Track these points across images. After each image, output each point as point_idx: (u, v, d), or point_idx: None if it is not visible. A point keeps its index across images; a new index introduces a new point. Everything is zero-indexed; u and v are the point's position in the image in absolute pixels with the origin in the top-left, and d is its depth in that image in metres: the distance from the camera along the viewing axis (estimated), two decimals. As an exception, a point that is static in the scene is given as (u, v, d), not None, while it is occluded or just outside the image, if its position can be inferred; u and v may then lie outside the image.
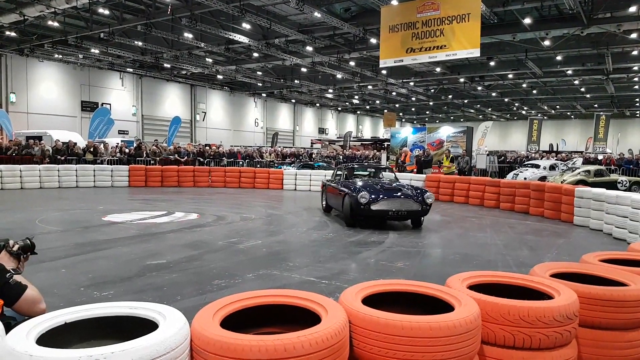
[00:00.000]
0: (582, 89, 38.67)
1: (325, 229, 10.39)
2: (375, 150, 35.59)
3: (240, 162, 25.95)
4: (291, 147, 41.61)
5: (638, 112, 53.95)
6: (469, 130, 25.13)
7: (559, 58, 26.14)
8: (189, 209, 12.97)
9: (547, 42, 21.96)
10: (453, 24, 16.59)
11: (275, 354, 2.06)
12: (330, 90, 41.30)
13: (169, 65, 32.27)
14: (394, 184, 11.58)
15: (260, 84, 39.68)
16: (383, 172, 13.81)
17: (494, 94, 41.90)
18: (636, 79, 33.46)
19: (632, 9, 17.22)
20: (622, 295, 3.02)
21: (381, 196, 10.32)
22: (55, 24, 21.80)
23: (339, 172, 13.24)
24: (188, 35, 23.82)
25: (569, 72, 30.46)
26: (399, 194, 10.57)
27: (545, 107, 49.98)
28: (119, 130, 32.88)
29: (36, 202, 14.22)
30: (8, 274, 2.60)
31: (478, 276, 3.28)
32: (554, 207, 12.65)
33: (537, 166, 22.56)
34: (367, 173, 13.78)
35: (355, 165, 14.88)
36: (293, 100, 50.65)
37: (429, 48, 17.33)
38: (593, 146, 37.02)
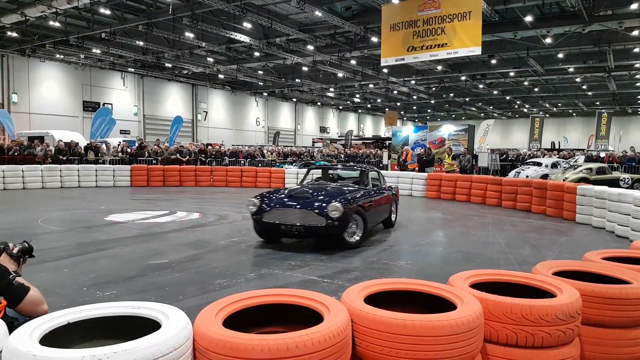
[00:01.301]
0: (584, 87, 38.61)
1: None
2: (376, 149, 35.54)
3: (242, 162, 25.93)
4: (292, 146, 41.59)
5: (640, 109, 53.89)
6: (471, 129, 25.08)
7: (560, 56, 26.11)
8: (191, 209, 12.97)
9: (548, 40, 21.93)
10: (454, 22, 16.58)
11: (278, 353, 2.06)
12: (332, 89, 41.31)
13: (170, 65, 32.30)
14: (345, 188, 9.05)
15: (262, 83, 39.69)
16: (368, 173, 10.13)
17: (495, 92, 41.85)
18: (638, 76, 33.40)
19: (634, 6, 17.17)
20: (624, 293, 3.02)
21: (275, 204, 8.03)
22: (57, 24, 21.82)
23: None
24: (189, 34, 23.82)
25: (571, 69, 30.43)
26: (302, 201, 8.02)
27: (547, 105, 49.91)
28: (120, 130, 32.93)
29: (38, 202, 14.23)
30: (11, 276, 2.61)
31: (480, 274, 3.28)
32: (556, 205, 12.63)
33: (539, 164, 22.52)
34: (333, 174, 10.97)
35: (324, 165, 12.94)
36: (294, 99, 50.65)
37: (430, 46, 17.33)
38: (595, 144, 36.97)
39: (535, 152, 33.82)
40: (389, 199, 10.07)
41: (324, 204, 7.72)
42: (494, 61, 28.07)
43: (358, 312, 2.49)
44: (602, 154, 28.77)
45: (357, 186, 9.45)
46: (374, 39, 22.14)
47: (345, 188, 9.05)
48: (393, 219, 10.54)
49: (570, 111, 56.08)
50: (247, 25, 22.15)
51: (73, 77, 32.37)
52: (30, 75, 29.92)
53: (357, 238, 8.18)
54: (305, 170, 20.43)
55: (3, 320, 2.17)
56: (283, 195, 8.42)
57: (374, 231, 9.89)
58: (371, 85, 38.43)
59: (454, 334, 2.37)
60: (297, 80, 36.66)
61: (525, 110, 53.79)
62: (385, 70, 31.33)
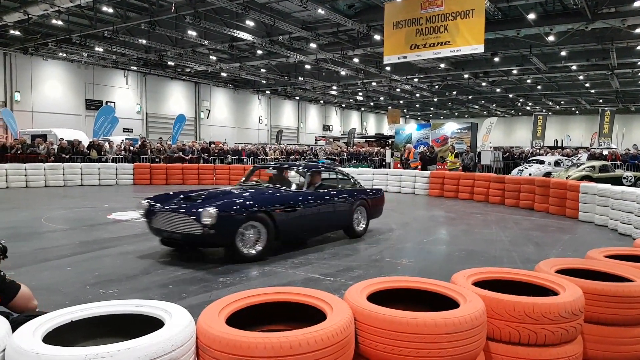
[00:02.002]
0: (587, 85, 38.49)
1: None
2: (379, 147, 35.52)
3: (245, 160, 25.95)
4: (295, 145, 41.58)
5: (643, 107, 53.73)
6: (474, 127, 25.04)
7: (563, 53, 26.01)
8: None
9: (551, 38, 21.86)
10: (457, 20, 16.55)
11: (281, 351, 2.07)
12: (334, 87, 41.27)
13: (173, 63, 32.29)
14: (268, 190, 8.02)
15: (264, 81, 39.66)
16: (306, 174, 8.50)
17: (498, 90, 41.75)
18: (641, 74, 33.31)
19: (637, 4, 17.08)
20: (627, 291, 3.01)
21: (163, 208, 7.04)
22: (60, 22, 21.82)
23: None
24: (192, 32, 23.81)
25: (574, 67, 30.34)
26: (188, 205, 6.94)
27: (550, 103, 49.78)
28: (123, 129, 32.97)
29: (41, 200, 14.26)
30: (2, 273, 2.63)
31: (483, 272, 3.28)
32: (559, 203, 12.62)
33: (542, 162, 22.48)
34: (278, 175, 9.11)
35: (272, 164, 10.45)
36: (297, 97, 50.63)
37: (433, 44, 17.30)
38: (598, 142, 36.94)
39: (538, 150, 33.79)
40: (348, 204, 8.73)
41: (200, 209, 6.54)
42: (496, 59, 27.98)
43: (361, 310, 2.49)
44: (605, 152, 28.75)
45: (287, 189, 8.12)
46: (377, 37, 22.11)
47: (268, 190, 7.99)
48: (360, 227, 9.13)
49: (573, 109, 55.91)
50: (249, 23, 22.13)
51: (76, 75, 32.41)
52: (33, 74, 29.97)
53: (259, 249, 6.95)
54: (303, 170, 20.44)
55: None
56: (179, 197, 7.34)
57: (375, 231, 9.89)
58: (374, 83, 38.38)
59: (457, 332, 2.37)
60: (299, 78, 36.61)
61: (528, 108, 53.66)
62: (388, 68, 31.26)
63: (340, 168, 10.93)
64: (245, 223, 6.76)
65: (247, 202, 7.06)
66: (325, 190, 8.60)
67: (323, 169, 9.75)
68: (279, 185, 8.31)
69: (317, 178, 8.77)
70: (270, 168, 9.58)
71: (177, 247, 7.49)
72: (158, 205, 7.11)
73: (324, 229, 8.76)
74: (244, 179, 9.14)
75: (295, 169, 9.08)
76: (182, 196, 7.35)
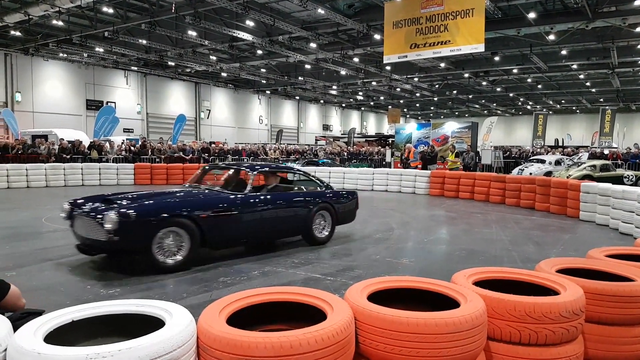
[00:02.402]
0: (588, 84, 38.48)
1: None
2: (379, 147, 35.52)
3: (245, 160, 25.97)
4: (296, 144, 41.60)
5: (644, 106, 53.71)
6: (474, 126, 25.05)
7: (563, 52, 25.99)
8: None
9: (551, 37, 21.84)
10: (457, 19, 16.55)
11: (281, 351, 2.07)
12: (334, 87, 41.27)
13: (173, 63, 32.31)
14: (211, 195, 7.29)
15: (265, 81, 39.67)
16: (249, 175, 7.72)
17: (498, 89, 41.74)
18: (642, 72, 33.29)
19: (638, 3, 17.08)
20: (628, 290, 3.01)
21: (80, 211, 6.46)
22: (60, 23, 21.84)
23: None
24: (192, 33, 23.82)
25: (574, 66, 30.30)
26: (100, 208, 6.27)
27: (551, 102, 49.75)
28: (124, 129, 33.02)
29: (42, 200, 14.27)
30: None
31: (484, 272, 3.28)
32: (560, 202, 12.62)
33: (543, 161, 22.47)
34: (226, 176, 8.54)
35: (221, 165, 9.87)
36: (297, 97, 50.64)
37: (433, 44, 17.29)
38: (599, 141, 36.90)
39: (538, 149, 33.77)
40: (305, 208, 7.97)
41: (105, 214, 5.91)
42: (497, 58, 27.99)
43: (361, 310, 2.49)
44: (606, 151, 28.73)
45: (227, 191, 7.42)
46: (377, 37, 22.11)
47: (203, 193, 7.36)
48: (322, 234, 8.32)
49: (574, 108, 55.88)
50: (249, 23, 22.14)
51: (76, 75, 32.43)
52: (33, 74, 30.00)
53: (179, 258, 6.28)
54: (308, 168, 20.35)
55: None
56: (101, 199, 6.74)
57: (376, 230, 9.88)
58: (374, 83, 38.38)
59: (457, 332, 2.37)
60: (300, 78, 36.62)
61: (528, 107, 53.62)
62: (388, 68, 31.25)
63: (301, 168, 9.95)
64: (163, 229, 6.11)
65: (166, 206, 6.43)
66: (276, 193, 7.91)
67: (277, 169, 9.06)
68: (218, 188, 7.69)
69: (270, 179, 8.28)
70: (217, 169, 9.05)
71: (96, 254, 6.70)
72: (77, 208, 6.54)
73: (271, 235, 8.02)
74: (188, 182, 8.59)
75: (241, 170, 8.20)
76: (103, 198, 6.78)
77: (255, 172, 7.77)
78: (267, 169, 8.82)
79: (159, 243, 6.11)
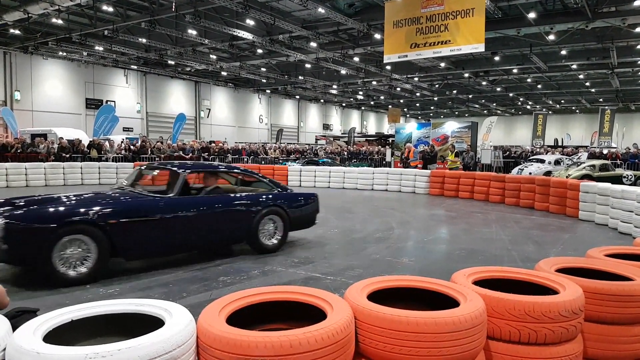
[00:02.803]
0: (587, 83, 38.50)
1: (329, 225, 10.39)
2: (379, 146, 35.54)
3: (245, 159, 25.98)
4: (296, 144, 41.60)
5: (644, 106, 53.72)
6: (474, 126, 25.07)
7: (563, 52, 26.00)
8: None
9: (551, 37, 21.85)
10: (457, 19, 16.55)
11: (281, 350, 2.07)
12: (335, 86, 41.26)
13: (173, 62, 32.29)
14: (128, 198, 6.49)
15: (265, 80, 39.66)
16: (179, 177, 6.81)
17: (498, 89, 41.77)
18: (641, 73, 33.30)
19: (637, 3, 17.09)
20: (627, 290, 3.01)
21: None
22: (59, 21, 21.84)
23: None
24: (192, 31, 23.81)
25: (574, 66, 30.32)
26: None
27: (550, 102, 49.76)
28: (123, 128, 33.00)
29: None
30: None
31: (483, 271, 3.28)
32: (559, 202, 12.62)
33: (542, 161, 22.48)
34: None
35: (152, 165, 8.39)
36: (297, 97, 50.63)
37: (434, 43, 17.30)
38: (598, 140, 36.90)
39: (538, 149, 33.79)
40: (248, 212, 7.19)
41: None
42: (497, 58, 28.00)
43: (361, 309, 2.49)
44: (605, 151, 28.74)
45: (150, 194, 6.65)
46: (377, 36, 22.12)
47: (121, 196, 6.57)
48: (271, 241, 7.54)
49: (573, 108, 55.90)
50: (250, 22, 22.13)
51: (76, 74, 32.41)
52: (33, 73, 29.97)
53: (84, 270, 5.60)
54: (308, 168, 20.33)
55: None
56: (2, 204, 6.06)
57: (375, 230, 9.88)
58: (374, 82, 38.39)
59: (457, 331, 2.37)
60: (300, 77, 36.62)
61: (528, 107, 53.63)
62: (388, 67, 31.26)
63: (244, 168, 8.72)
64: (65, 236, 5.43)
65: (66, 211, 5.72)
66: (211, 196, 7.14)
67: (216, 169, 8.29)
68: (144, 191, 6.82)
69: (209, 180, 7.43)
70: (146, 169, 7.85)
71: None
72: None
73: (206, 244, 7.19)
74: (117, 184, 7.77)
75: (170, 170, 7.13)
76: (8, 201, 6.17)
77: (185, 173, 6.89)
78: (202, 169, 8.17)
79: (62, 252, 5.44)
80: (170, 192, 6.62)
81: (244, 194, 7.58)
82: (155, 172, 7.80)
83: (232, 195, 7.45)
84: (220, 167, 9.34)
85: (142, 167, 7.87)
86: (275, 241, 7.58)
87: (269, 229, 7.50)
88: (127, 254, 6.09)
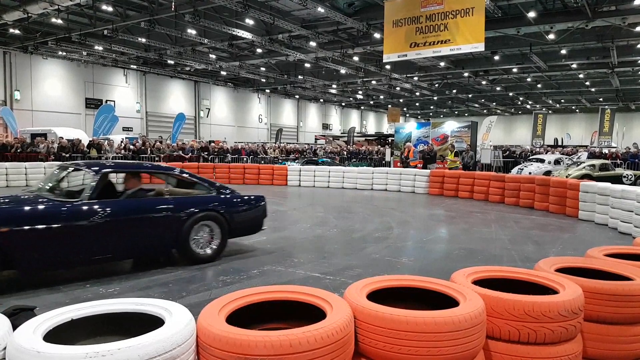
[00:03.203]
0: (587, 83, 38.49)
1: (328, 225, 10.39)
2: (379, 146, 35.53)
3: (244, 159, 25.97)
4: (295, 143, 41.60)
5: (643, 105, 53.73)
6: (474, 125, 25.04)
7: (563, 52, 26.00)
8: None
9: (551, 36, 21.85)
10: (457, 18, 16.54)
11: (281, 350, 2.07)
12: (334, 86, 41.26)
13: (172, 62, 32.28)
14: (30, 203, 5.76)
15: (264, 80, 39.65)
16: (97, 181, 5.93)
17: (498, 88, 41.76)
18: (641, 72, 33.31)
19: (637, 2, 17.09)
20: (627, 289, 3.02)
21: None
22: (59, 21, 21.83)
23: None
24: (191, 31, 23.81)
25: (574, 65, 30.30)
26: None
27: (550, 101, 49.77)
28: (123, 127, 32.98)
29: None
30: None
31: (483, 271, 3.28)
32: (559, 201, 12.62)
33: (542, 160, 22.48)
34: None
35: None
36: (297, 96, 50.62)
37: (433, 43, 17.29)
38: (598, 140, 36.92)
39: (538, 149, 33.79)
40: (175, 218, 6.37)
41: None
42: (497, 57, 27.98)
43: (361, 309, 2.50)
44: (605, 151, 28.74)
45: (58, 198, 5.88)
46: (377, 36, 22.12)
47: (24, 200, 5.91)
48: (206, 250, 6.73)
49: (573, 107, 55.90)
50: (249, 21, 22.12)
51: (75, 74, 32.39)
52: (32, 73, 29.95)
53: None
54: (307, 167, 20.28)
55: None
56: None
57: (375, 230, 9.88)
58: (374, 82, 38.38)
59: (456, 331, 2.37)
60: (299, 77, 36.61)
61: (528, 106, 53.62)
62: (387, 67, 31.25)
63: (180, 169, 7.61)
64: None
65: None
66: (129, 200, 6.32)
67: (138, 169, 7.30)
68: (50, 194, 6.09)
69: (130, 182, 6.56)
70: (58, 169, 6.93)
71: None
72: None
73: (122, 254, 6.30)
74: (33, 186, 7.02)
75: (83, 170, 6.39)
76: None
77: (99, 174, 5.99)
78: (122, 169, 7.37)
79: None
80: (82, 196, 5.79)
81: (171, 197, 6.65)
82: (69, 172, 6.78)
83: (156, 198, 6.56)
84: (145, 167, 8.52)
85: (57, 168, 7.01)
86: (209, 251, 6.75)
87: (203, 236, 6.70)
88: (21, 266, 5.32)
